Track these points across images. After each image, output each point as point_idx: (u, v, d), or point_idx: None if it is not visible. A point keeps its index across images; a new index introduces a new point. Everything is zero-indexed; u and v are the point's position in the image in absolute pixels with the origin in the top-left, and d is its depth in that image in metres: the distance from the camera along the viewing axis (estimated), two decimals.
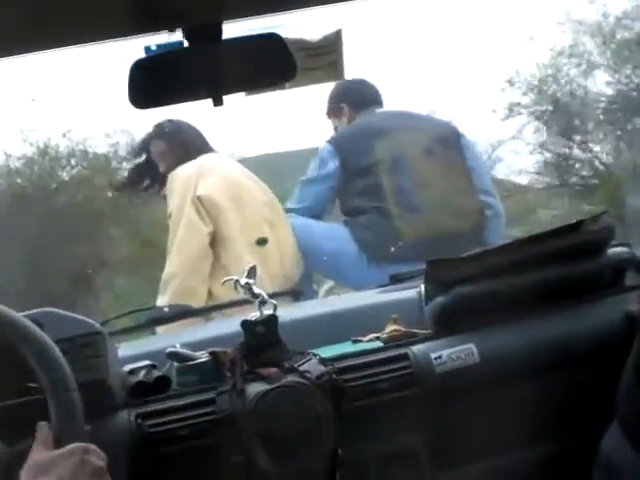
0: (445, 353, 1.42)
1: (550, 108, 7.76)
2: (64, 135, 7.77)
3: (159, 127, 2.84)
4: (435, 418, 1.40)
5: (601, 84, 7.60)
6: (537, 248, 1.52)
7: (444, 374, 1.40)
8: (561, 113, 7.69)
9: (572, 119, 7.72)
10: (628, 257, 1.59)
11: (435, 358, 1.41)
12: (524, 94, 7.84)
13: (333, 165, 2.86)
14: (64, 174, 8.03)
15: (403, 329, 1.53)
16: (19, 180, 7.80)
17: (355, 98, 3.03)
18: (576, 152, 7.84)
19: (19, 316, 1.23)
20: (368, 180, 2.78)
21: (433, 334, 1.50)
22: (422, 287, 1.60)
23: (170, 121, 2.83)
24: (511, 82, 7.78)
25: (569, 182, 7.90)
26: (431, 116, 3.28)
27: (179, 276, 2.56)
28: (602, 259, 1.56)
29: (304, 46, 1.43)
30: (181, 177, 2.68)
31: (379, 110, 3.03)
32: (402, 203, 2.74)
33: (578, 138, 7.78)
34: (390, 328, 1.53)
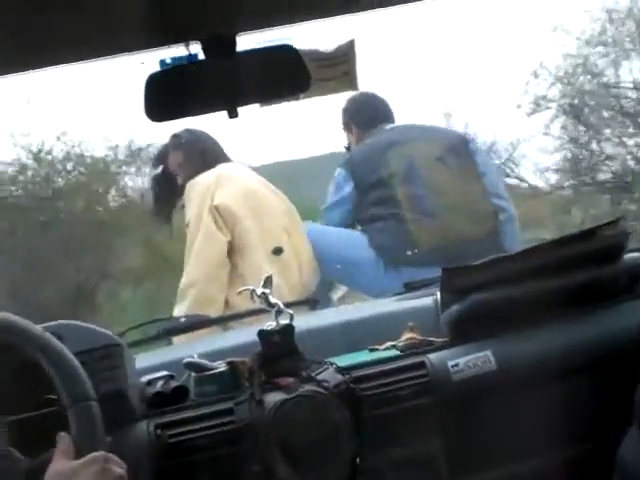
0: (462, 361, 1.42)
1: (578, 101, 7.46)
2: (58, 138, 7.51)
3: (176, 138, 2.85)
4: (452, 425, 1.40)
5: (635, 73, 7.30)
6: (553, 254, 1.52)
7: (461, 382, 1.40)
8: (591, 106, 7.40)
9: (602, 112, 7.42)
10: None
11: (452, 366, 1.41)
12: (551, 86, 7.51)
13: (348, 188, 2.91)
14: (60, 180, 7.80)
15: (419, 337, 1.53)
16: (12, 187, 7.57)
17: (364, 118, 3.09)
18: (607, 147, 7.50)
19: (38, 328, 1.24)
20: (382, 192, 2.82)
21: (449, 342, 1.50)
22: (438, 295, 1.60)
23: (187, 131, 2.84)
24: (536, 74, 7.51)
25: (600, 180, 7.62)
26: (439, 126, 3.30)
27: (197, 285, 2.57)
28: (618, 265, 1.56)
29: (318, 57, 1.44)
30: (199, 186, 2.69)
31: (388, 126, 3.07)
32: (417, 209, 2.76)
33: (608, 132, 7.49)
34: (406, 336, 1.54)
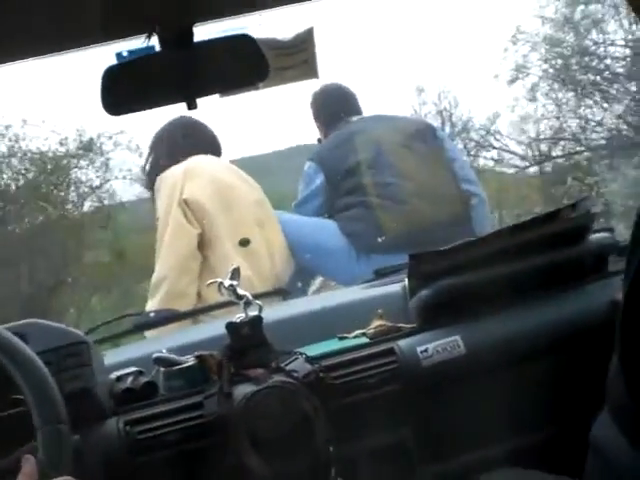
0: (431, 346, 1.42)
1: (561, 65, 7.15)
2: (2, 135, 7.33)
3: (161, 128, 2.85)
4: (423, 411, 1.40)
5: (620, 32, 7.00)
6: (518, 238, 1.53)
7: (431, 367, 1.40)
8: (575, 69, 7.11)
9: (588, 75, 7.12)
10: (610, 242, 1.60)
11: (421, 352, 1.42)
12: (531, 51, 7.24)
13: (319, 180, 2.92)
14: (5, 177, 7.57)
15: (389, 324, 1.53)
16: None
17: (330, 111, 3.10)
18: (597, 112, 7.21)
19: (1, 329, 1.22)
20: (351, 181, 2.83)
21: (418, 328, 1.50)
22: (406, 281, 1.60)
23: (168, 122, 2.82)
24: (514, 40, 7.22)
25: (592, 146, 7.34)
26: (405, 115, 3.32)
27: (168, 279, 2.55)
28: (584, 246, 1.57)
29: (276, 45, 1.43)
30: (168, 180, 2.67)
31: (354, 118, 3.08)
32: (385, 196, 2.77)
33: (597, 96, 7.22)
34: (376, 323, 1.54)
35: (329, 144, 3.02)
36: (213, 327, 1.73)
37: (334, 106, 3.10)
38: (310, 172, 2.96)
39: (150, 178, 2.79)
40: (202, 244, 2.60)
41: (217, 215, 2.60)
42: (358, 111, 3.13)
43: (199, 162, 2.71)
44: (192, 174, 2.64)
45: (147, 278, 2.73)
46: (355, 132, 2.95)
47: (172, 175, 2.66)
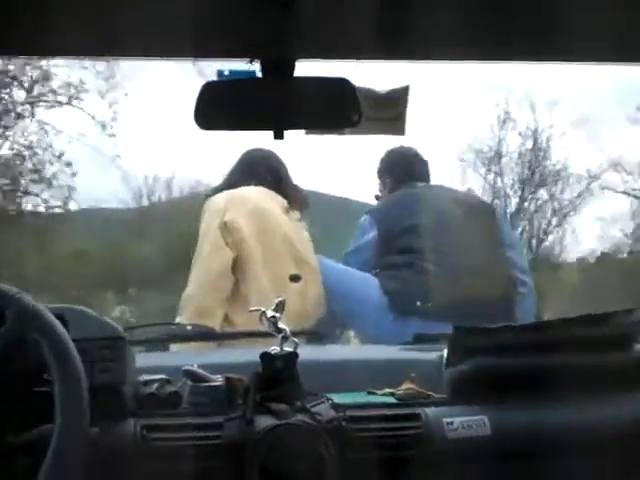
0: (457, 420, 1.41)
1: None
2: None
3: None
4: None
5: None
6: (565, 333, 1.52)
7: (454, 440, 1.39)
8: None
9: None
10: None
11: (447, 423, 1.41)
12: None
13: (372, 234, 2.93)
14: None
15: (419, 389, 1.52)
16: None
17: (400, 172, 3.12)
18: None
19: (42, 307, 1.25)
20: (404, 242, 2.84)
21: (448, 399, 1.49)
22: (444, 351, 1.59)
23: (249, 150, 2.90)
24: None
25: None
26: (468, 192, 3.35)
27: (199, 296, 2.60)
28: (628, 354, 1.55)
29: (371, 95, 1.46)
30: (213, 203, 2.75)
31: (420, 184, 3.10)
32: (436, 263, 2.77)
33: None
34: (406, 386, 1.53)
35: (389, 202, 3.04)
36: (243, 353, 1.74)
37: (405, 169, 3.12)
38: (365, 225, 2.98)
39: None
40: (236, 268, 2.65)
41: (253, 243, 2.65)
42: (426, 178, 3.16)
43: (247, 191, 2.78)
44: (237, 201, 2.71)
45: None
46: (417, 197, 2.96)
47: (218, 199, 2.75)
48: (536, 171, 10.68)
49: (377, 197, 3.20)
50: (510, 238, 2.99)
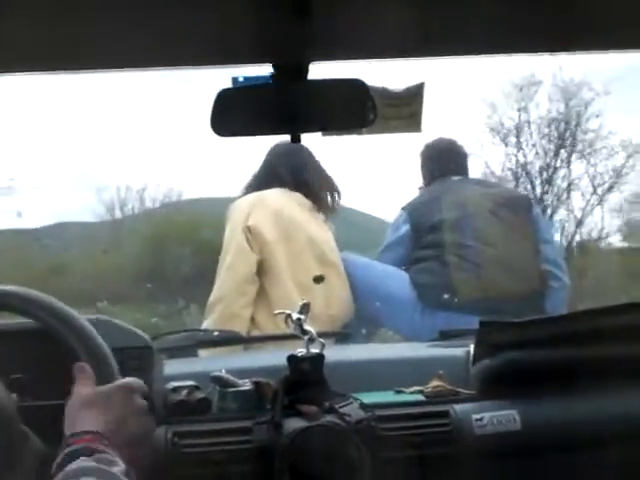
0: (487, 416, 1.41)
1: None
2: None
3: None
4: (469, 479, 1.38)
5: None
6: (594, 324, 1.51)
7: (483, 437, 1.39)
8: None
9: None
10: None
11: (476, 420, 1.40)
12: None
13: (405, 230, 2.96)
14: None
15: (447, 386, 1.52)
16: None
17: (436, 166, 3.15)
18: None
19: (80, 317, 1.27)
20: (433, 237, 2.86)
21: (476, 395, 1.49)
22: (471, 347, 1.59)
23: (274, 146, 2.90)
24: None
25: None
26: (504, 185, 3.34)
27: (225, 300, 2.63)
28: None
29: (386, 95, 1.46)
30: (237, 208, 2.79)
31: (455, 178, 3.11)
32: (463, 257, 2.78)
33: None
34: (434, 383, 1.53)
35: (422, 198, 3.07)
36: (270, 356, 1.75)
37: (439, 163, 3.15)
38: (399, 221, 3.01)
39: None
40: (261, 271, 2.68)
41: (277, 246, 2.68)
42: (463, 171, 3.17)
43: (269, 194, 2.79)
44: (259, 204, 2.74)
45: None
46: (446, 191, 2.99)
47: (242, 203, 2.78)
48: (569, 140, 9.92)
49: (421, 189, 3.23)
50: (545, 231, 2.99)
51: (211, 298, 2.68)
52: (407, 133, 1.52)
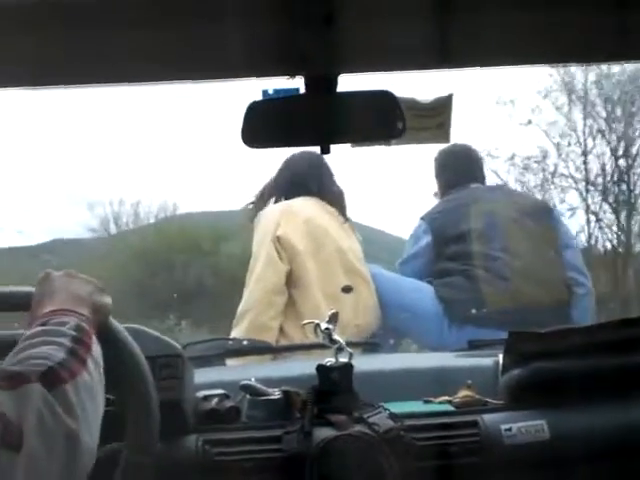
0: (515, 426, 1.41)
1: None
2: None
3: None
4: None
5: None
6: (622, 333, 1.50)
7: (512, 447, 1.38)
8: None
9: None
10: None
11: (505, 430, 1.40)
12: None
13: (426, 241, 2.93)
14: None
15: (476, 396, 1.52)
16: None
17: (452, 173, 3.10)
18: None
19: (117, 324, 1.29)
20: (457, 248, 2.83)
21: (505, 405, 1.49)
22: (500, 357, 1.59)
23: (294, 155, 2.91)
24: None
25: None
26: (523, 192, 3.30)
27: (254, 310, 2.63)
28: None
29: (414, 106, 1.47)
30: (266, 217, 2.78)
31: (473, 185, 3.07)
32: (490, 269, 2.75)
33: None
34: (463, 393, 1.53)
35: (442, 207, 3.03)
36: (299, 366, 1.76)
37: (457, 169, 3.10)
38: (419, 231, 2.97)
39: (255, 211, 2.88)
40: (290, 282, 2.68)
41: (307, 256, 2.68)
42: (480, 178, 3.13)
43: (298, 203, 2.79)
44: (289, 213, 2.74)
45: None
46: (470, 199, 2.95)
47: (271, 212, 2.78)
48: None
49: (436, 194, 3.19)
50: (566, 237, 2.95)
51: (240, 308, 2.68)
52: (436, 143, 1.53)
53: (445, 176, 3.11)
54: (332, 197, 2.88)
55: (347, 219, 2.88)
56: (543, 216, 2.92)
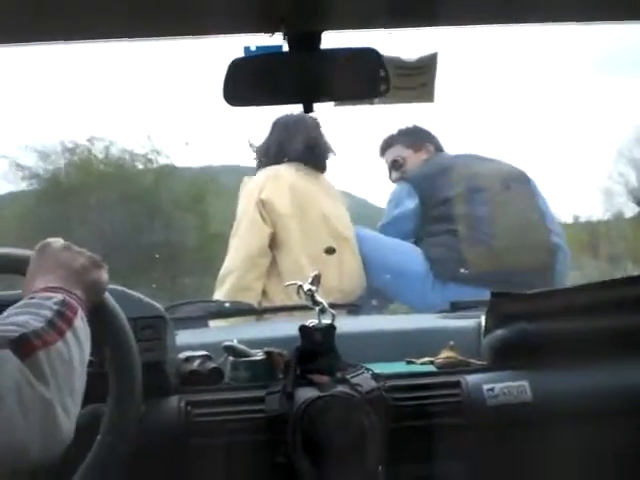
0: (498, 386, 1.41)
1: None
2: None
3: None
4: (479, 449, 1.39)
5: None
6: (604, 295, 1.50)
7: (494, 407, 1.39)
8: None
9: None
10: None
11: (487, 390, 1.41)
12: None
13: (413, 204, 2.93)
14: None
15: (458, 357, 1.52)
16: None
17: (437, 143, 3.19)
18: None
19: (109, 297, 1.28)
20: (445, 209, 2.86)
21: (488, 366, 1.49)
22: (482, 318, 1.59)
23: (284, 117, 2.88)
24: None
25: None
26: (502, 160, 3.32)
27: (236, 272, 2.64)
28: None
29: (399, 64, 1.45)
30: (250, 183, 2.80)
31: (450, 153, 3.16)
32: (477, 229, 2.77)
33: None
34: (445, 354, 1.53)
35: (429, 171, 3.03)
36: (282, 327, 1.75)
37: (437, 138, 3.21)
38: (402, 194, 2.98)
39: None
40: (273, 244, 2.69)
41: (290, 219, 2.69)
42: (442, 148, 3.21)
43: (283, 169, 2.79)
44: (274, 178, 2.75)
45: None
46: (458, 163, 2.98)
47: (256, 178, 2.79)
48: None
49: (397, 163, 3.19)
50: (543, 203, 2.97)
51: (222, 270, 2.69)
52: (419, 102, 1.51)
53: (433, 142, 3.18)
54: (322, 163, 2.86)
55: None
56: (523, 182, 2.96)
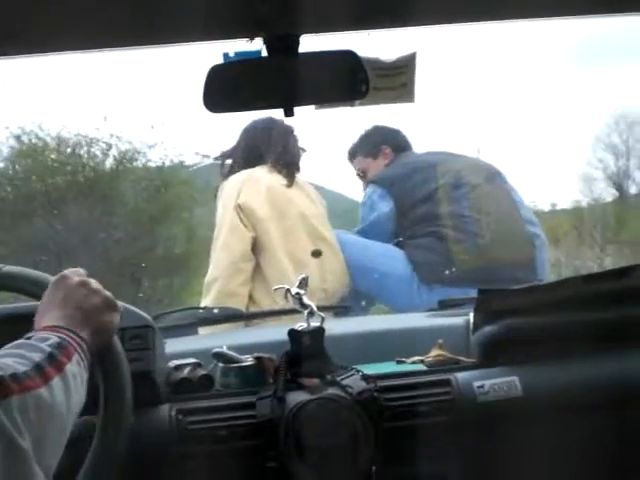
0: (488, 383, 1.42)
1: None
2: None
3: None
4: (472, 446, 1.39)
5: None
6: (590, 289, 1.51)
7: (485, 404, 1.39)
8: None
9: None
10: None
11: (477, 387, 1.41)
12: None
13: (388, 207, 2.92)
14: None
15: (448, 355, 1.53)
16: None
17: (396, 142, 3.16)
18: None
19: None
20: (425, 209, 2.84)
21: (477, 363, 1.49)
22: (471, 315, 1.60)
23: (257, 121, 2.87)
24: None
25: None
26: (471, 156, 3.31)
27: (221, 279, 2.63)
28: None
29: (378, 65, 1.45)
30: (228, 186, 2.78)
31: (421, 152, 3.14)
32: (460, 229, 2.77)
33: None
34: (435, 353, 1.54)
35: (399, 170, 3.01)
36: (271, 331, 1.75)
37: (399, 139, 3.18)
38: (375, 197, 2.96)
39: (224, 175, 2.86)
40: (255, 249, 2.69)
41: (269, 222, 2.69)
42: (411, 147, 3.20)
43: (259, 172, 2.79)
44: (250, 182, 2.73)
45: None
46: (434, 161, 2.96)
47: (233, 182, 2.77)
48: None
49: (360, 176, 3.19)
50: (517, 196, 2.98)
51: (207, 278, 2.68)
52: (400, 103, 1.51)
53: (389, 147, 3.14)
54: (296, 165, 2.86)
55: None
56: (496, 177, 2.96)
